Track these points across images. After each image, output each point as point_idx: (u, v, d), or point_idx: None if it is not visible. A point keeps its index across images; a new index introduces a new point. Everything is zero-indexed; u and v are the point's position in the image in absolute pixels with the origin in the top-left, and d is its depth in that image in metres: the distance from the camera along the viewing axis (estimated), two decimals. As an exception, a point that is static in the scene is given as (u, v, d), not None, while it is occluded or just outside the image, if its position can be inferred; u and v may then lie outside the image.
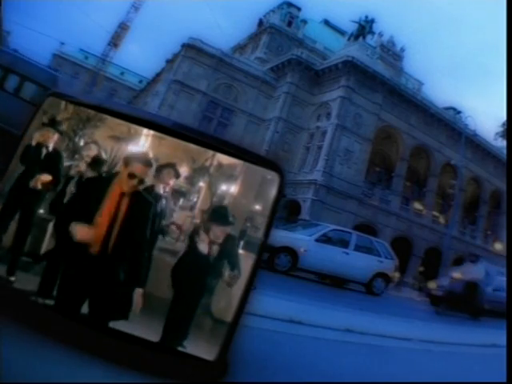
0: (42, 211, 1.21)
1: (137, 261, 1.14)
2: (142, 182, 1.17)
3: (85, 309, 1.13)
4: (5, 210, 1.18)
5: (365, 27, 34.19)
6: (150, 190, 1.21)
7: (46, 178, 1.21)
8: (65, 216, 1.16)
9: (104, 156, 1.23)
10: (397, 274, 11.64)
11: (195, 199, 1.25)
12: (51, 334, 1.04)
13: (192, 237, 1.18)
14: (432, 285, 13.06)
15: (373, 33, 35.58)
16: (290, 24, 38.23)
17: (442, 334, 4.24)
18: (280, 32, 37.55)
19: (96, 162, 1.22)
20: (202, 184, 1.25)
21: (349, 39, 34.79)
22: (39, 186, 1.19)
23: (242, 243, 1.16)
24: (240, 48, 40.54)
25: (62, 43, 45.64)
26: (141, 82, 47.47)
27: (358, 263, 10.37)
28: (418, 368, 2.09)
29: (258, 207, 1.17)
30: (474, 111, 64.19)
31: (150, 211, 1.17)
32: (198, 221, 1.20)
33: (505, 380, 1.54)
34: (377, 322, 4.10)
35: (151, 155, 1.20)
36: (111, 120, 1.20)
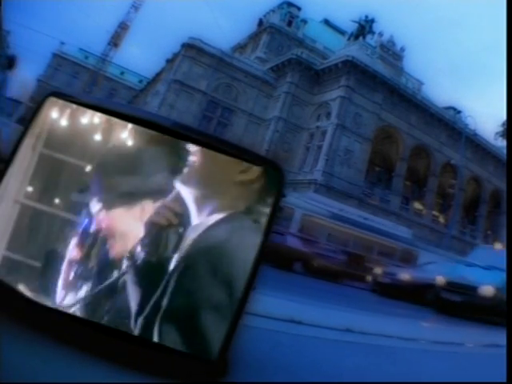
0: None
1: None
2: None
3: (86, 310, 1.13)
4: None
5: (365, 27, 34.21)
6: None
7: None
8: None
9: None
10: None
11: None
12: (51, 334, 1.04)
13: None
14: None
15: (373, 32, 35.60)
16: (290, 24, 38.22)
17: (442, 334, 4.25)
18: (280, 32, 37.54)
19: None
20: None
21: (349, 39, 34.80)
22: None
23: (242, 244, 1.16)
24: (240, 48, 40.53)
25: (62, 43, 45.61)
26: (141, 81, 47.47)
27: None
28: (418, 368, 2.09)
29: (257, 207, 1.17)
30: (474, 111, 64.11)
31: None
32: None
33: (505, 380, 1.54)
34: (377, 321, 4.11)
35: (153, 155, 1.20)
36: (111, 120, 1.20)
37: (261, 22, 39.78)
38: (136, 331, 1.11)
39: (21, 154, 1.18)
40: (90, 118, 1.20)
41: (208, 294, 1.14)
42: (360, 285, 12.24)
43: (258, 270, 1.12)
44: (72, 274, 1.18)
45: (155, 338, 1.11)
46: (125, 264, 1.17)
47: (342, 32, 40.28)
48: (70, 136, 1.22)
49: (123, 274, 1.16)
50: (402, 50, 39.66)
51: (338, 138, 28.82)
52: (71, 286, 1.17)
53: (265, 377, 1.32)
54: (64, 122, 1.21)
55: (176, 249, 1.17)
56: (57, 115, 1.20)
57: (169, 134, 1.19)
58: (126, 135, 1.21)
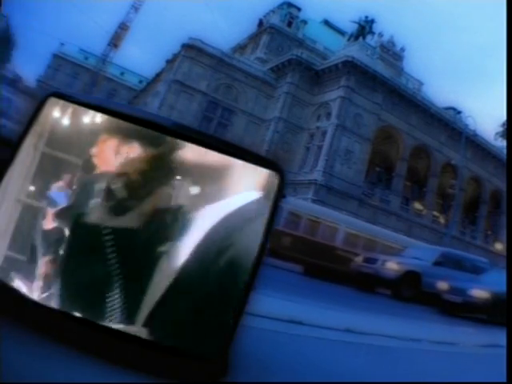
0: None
1: None
2: None
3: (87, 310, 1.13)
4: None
5: (365, 27, 34.21)
6: None
7: None
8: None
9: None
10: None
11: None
12: (51, 334, 1.04)
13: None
14: None
15: (373, 33, 35.60)
16: (290, 24, 38.21)
17: (442, 334, 4.24)
18: (280, 32, 37.53)
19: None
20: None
21: (349, 39, 34.80)
22: None
23: (242, 244, 1.16)
24: (240, 48, 40.52)
25: (62, 43, 45.58)
26: (141, 82, 47.46)
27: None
28: (419, 368, 2.09)
29: (257, 208, 1.17)
30: (474, 111, 63.94)
31: None
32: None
33: (505, 380, 1.54)
34: (377, 321, 4.10)
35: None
36: (111, 120, 1.20)
37: (261, 23, 39.76)
38: (136, 331, 1.11)
39: (22, 153, 1.18)
40: (90, 118, 1.21)
41: (208, 293, 1.14)
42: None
43: (258, 271, 1.12)
44: (71, 274, 1.18)
45: (155, 338, 1.11)
46: (124, 263, 1.17)
47: (342, 32, 40.23)
48: (71, 135, 1.22)
49: (123, 273, 1.16)
50: (402, 50, 39.66)
51: (338, 138, 28.81)
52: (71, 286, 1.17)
53: (265, 377, 1.32)
54: (64, 122, 1.21)
55: (175, 249, 1.17)
56: (57, 115, 1.21)
57: (169, 134, 1.19)
58: (126, 135, 1.21)
